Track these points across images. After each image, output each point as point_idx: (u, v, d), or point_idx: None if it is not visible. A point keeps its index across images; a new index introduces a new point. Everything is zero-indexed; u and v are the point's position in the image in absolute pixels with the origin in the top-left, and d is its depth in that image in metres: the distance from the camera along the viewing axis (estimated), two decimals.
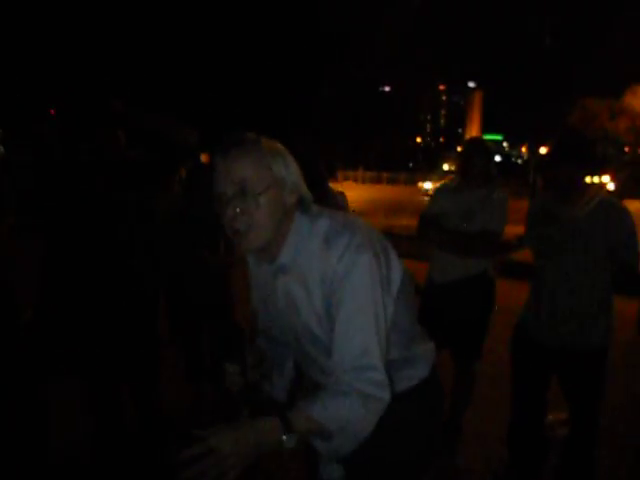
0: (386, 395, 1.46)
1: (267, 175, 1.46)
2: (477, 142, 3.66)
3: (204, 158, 21.70)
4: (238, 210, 1.45)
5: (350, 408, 1.41)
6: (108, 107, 2.71)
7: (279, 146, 1.55)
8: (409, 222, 3.42)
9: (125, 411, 3.08)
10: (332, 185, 3.97)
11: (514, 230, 3.56)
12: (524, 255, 3.24)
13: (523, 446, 3.07)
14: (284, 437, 1.33)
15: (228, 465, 1.27)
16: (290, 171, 1.52)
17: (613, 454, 3.48)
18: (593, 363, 2.80)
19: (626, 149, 45.66)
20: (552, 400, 3.02)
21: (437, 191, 3.71)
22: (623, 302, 3.32)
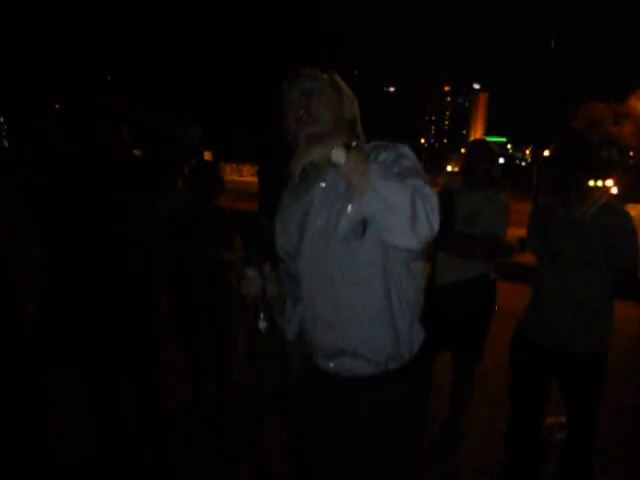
0: (432, 194, 1.44)
1: (332, 89, 1.71)
2: (481, 144, 3.65)
3: (207, 156, 21.72)
4: (306, 106, 1.66)
5: (399, 188, 1.39)
6: (111, 103, 2.69)
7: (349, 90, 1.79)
8: None
9: (125, 410, 3.09)
10: None
11: (517, 233, 3.56)
12: (526, 258, 3.25)
13: (521, 449, 3.07)
14: (336, 149, 1.38)
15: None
16: (352, 104, 1.78)
17: (610, 458, 3.47)
18: (592, 366, 2.80)
19: (631, 153, 45.63)
20: (551, 403, 3.02)
21: (440, 193, 3.70)
22: (622, 306, 3.31)
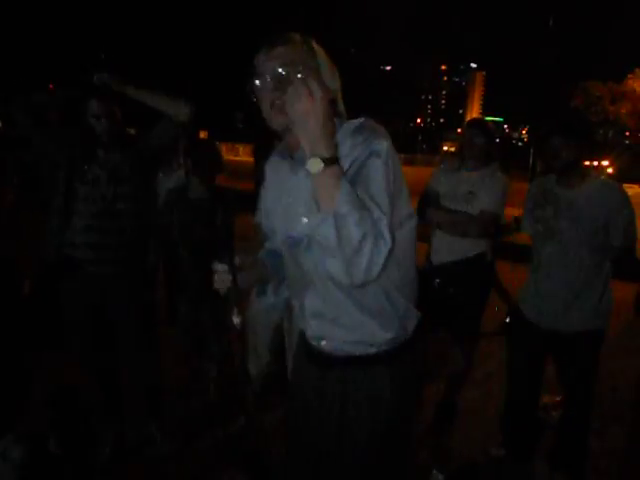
0: (387, 243, 1.39)
1: (310, 69, 1.51)
2: (478, 123, 3.63)
3: (202, 135, 21.57)
4: (277, 91, 1.50)
5: (358, 224, 1.35)
6: (104, 82, 2.64)
7: (328, 57, 1.60)
8: None
9: (122, 388, 3.10)
10: None
11: (513, 212, 3.55)
12: (523, 237, 3.23)
13: (517, 427, 3.09)
14: (314, 158, 1.35)
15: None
16: (333, 77, 1.59)
17: (607, 436, 3.50)
18: (588, 345, 2.81)
19: (627, 133, 45.65)
20: (547, 382, 3.03)
21: (438, 171, 3.69)
22: (620, 285, 3.31)
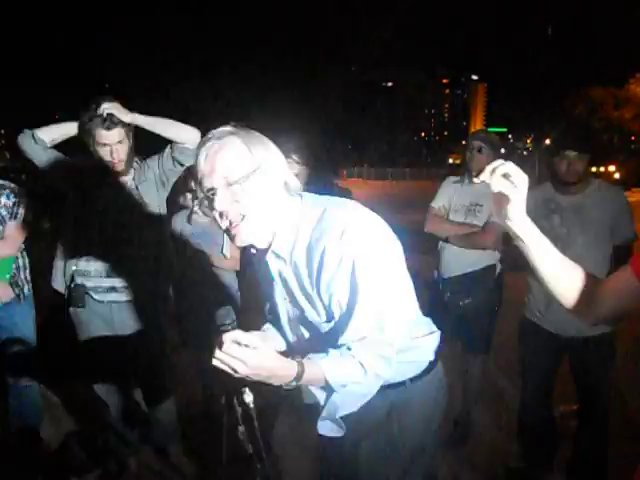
0: (387, 372, 1.50)
1: (248, 162, 1.45)
2: (481, 135, 3.66)
3: None
4: (228, 203, 1.45)
5: (351, 371, 1.45)
6: (111, 111, 2.69)
7: (256, 133, 1.54)
8: (416, 217, 3.47)
9: (137, 413, 3.10)
10: (339, 182, 3.97)
11: None
12: None
13: (533, 436, 3.07)
14: (293, 382, 1.42)
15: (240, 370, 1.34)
16: (271, 153, 1.52)
17: (625, 443, 3.46)
18: (599, 350, 2.81)
19: (632, 138, 45.54)
20: (563, 392, 3.01)
21: (444, 184, 3.71)
22: None
